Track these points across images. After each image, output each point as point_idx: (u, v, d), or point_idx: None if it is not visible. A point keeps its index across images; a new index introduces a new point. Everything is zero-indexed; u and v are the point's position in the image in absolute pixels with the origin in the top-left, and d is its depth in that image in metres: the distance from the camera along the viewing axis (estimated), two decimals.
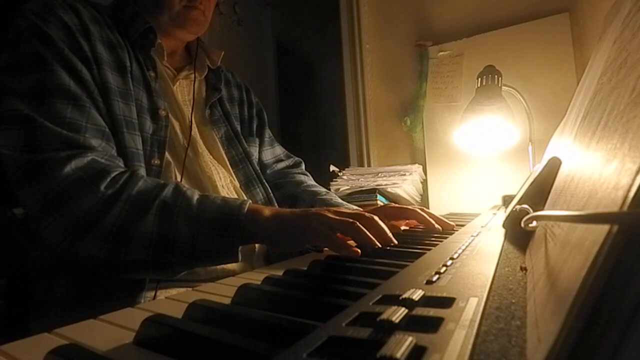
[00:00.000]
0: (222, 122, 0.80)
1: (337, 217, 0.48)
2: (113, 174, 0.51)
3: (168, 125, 0.65)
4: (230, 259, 0.50)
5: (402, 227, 0.72)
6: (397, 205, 0.69)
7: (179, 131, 0.69)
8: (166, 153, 0.64)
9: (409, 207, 0.67)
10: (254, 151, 0.86)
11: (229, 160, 0.76)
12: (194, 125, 0.71)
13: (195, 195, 0.52)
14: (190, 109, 0.72)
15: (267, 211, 0.52)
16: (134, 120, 0.61)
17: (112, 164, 0.54)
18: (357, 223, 0.47)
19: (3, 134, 0.51)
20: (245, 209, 0.51)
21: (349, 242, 0.46)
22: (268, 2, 2.28)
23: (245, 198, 0.65)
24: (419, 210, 0.65)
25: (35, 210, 0.50)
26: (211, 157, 0.73)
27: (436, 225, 0.62)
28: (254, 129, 0.90)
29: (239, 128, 0.82)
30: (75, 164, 0.50)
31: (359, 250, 0.45)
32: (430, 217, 0.64)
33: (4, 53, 0.55)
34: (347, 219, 0.48)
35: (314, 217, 0.49)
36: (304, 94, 2.83)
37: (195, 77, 0.76)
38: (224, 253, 0.50)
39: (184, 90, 0.75)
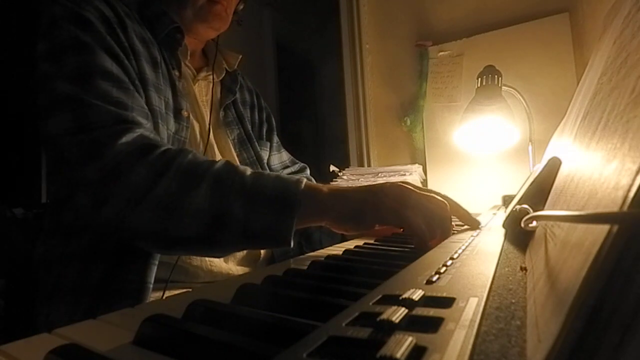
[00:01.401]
0: (235, 124, 0.80)
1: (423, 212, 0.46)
2: (163, 148, 0.51)
3: (189, 127, 0.65)
4: (284, 241, 0.47)
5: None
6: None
7: (197, 132, 0.69)
8: None
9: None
10: (265, 155, 0.86)
11: (240, 162, 0.77)
12: (210, 126, 0.71)
13: (248, 171, 0.50)
14: (208, 110, 0.73)
15: (325, 188, 0.49)
16: (164, 114, 0.61)
17: (160, 140, 0.53)
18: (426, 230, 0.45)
19: (55, 119, 0.51)
20: (302, 186, 0.48)
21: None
22: (268, 2, 2.28)
23: None
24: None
25: (92, 188, 0.50)
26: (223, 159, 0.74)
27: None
28: (264, 134, 0.91)
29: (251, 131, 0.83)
30: (125, 138, 0.49)
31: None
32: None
33: (39, 42, 0.55)
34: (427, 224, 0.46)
35: (391, 196, 0.47)
36: (304, 94, 2.84)
37: (213, 79, 0.77)
38: (277, 234, 0.46)
39: (202, 91, 0.76)
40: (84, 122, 0.50)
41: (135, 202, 0.48)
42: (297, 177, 0.50)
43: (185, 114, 0.65)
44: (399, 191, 0.47)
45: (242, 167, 0.50)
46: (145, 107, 0.57)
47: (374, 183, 0.52)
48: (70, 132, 0.50)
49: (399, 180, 0.51)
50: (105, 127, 0.50)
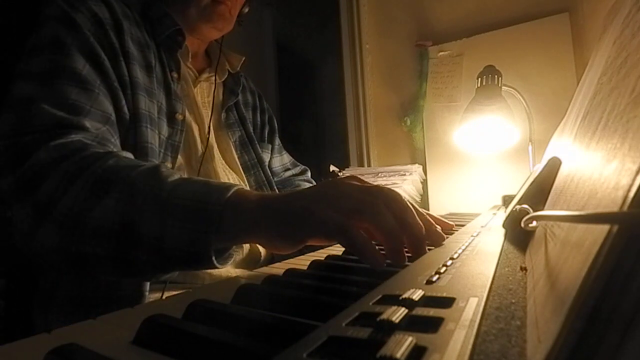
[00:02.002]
0: (237, 126, 0.80)
1: (365, 207, 0.34)
2: (85, 153, 0.44)
3: (184, 130, 0.64)
4: (204, 262, 0.38)
5: None
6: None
7: (197, 134, 0.69)
8: (179, 156, 0.64)
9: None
10: (266, 157, 0.86)
11: (241, 165, 0.76)
12: (211, 128, 0.71)
13: (173, 177, 0.42)
14: (210, 112, 0.72)
15: (255, 197, 0.39)
16: (156, 119, 0.60)
17: (96, 144, 0.47)
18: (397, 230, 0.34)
19: (1, 118, 0.48)
20: (228, 195, 0.38)
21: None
22: (268, 2, 2.28)
23: None
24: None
25: (8, 199, 0.46)
26: (223, 161, 0.73)
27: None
28: (266, 136, 0.90)
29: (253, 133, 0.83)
30: (54, 143, 0.44)
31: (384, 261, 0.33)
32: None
33: (28, 40, 0.54)
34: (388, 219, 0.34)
35: (323, 200, 0.35)
36: (304, 94, 2.83)
37: (215, 80, 0.76)
38: (194, 254, 0.38)
39: (204, 93, 0.75)
40: (23, 125, 0.46)
41: (43, 215, 0.42)
42: (229, 183, 0.41)
43: (179, 117, 0.64)
44: (335, 191, 0.37)
45: (166, 172, 0.42)
46: (109, 111, 0.53)
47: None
48: (6, 135, 0.46)
49: (350, 175, 0.42)
50: (40, 132, 0.45)
